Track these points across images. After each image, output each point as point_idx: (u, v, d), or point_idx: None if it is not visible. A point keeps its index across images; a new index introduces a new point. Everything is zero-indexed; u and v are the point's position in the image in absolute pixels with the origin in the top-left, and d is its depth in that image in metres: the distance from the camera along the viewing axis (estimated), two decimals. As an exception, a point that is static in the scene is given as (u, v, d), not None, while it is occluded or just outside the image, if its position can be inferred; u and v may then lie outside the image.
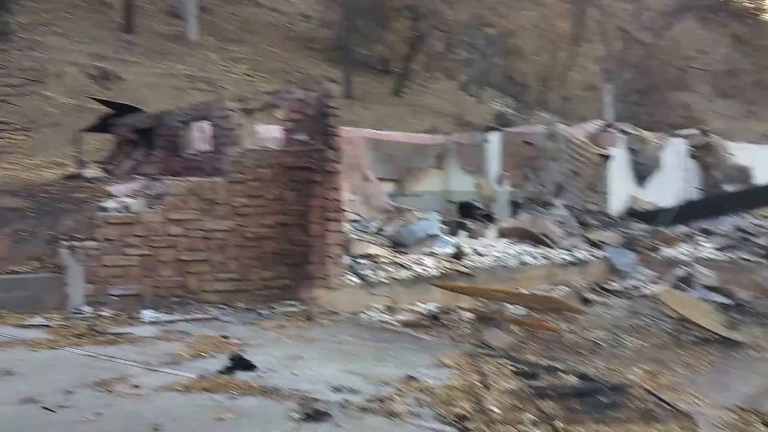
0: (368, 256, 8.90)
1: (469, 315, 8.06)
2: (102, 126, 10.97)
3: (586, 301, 9.75)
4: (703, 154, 17.80)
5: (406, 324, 7.68)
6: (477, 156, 16.26)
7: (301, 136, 8.29)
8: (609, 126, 16.01)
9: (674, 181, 16.91)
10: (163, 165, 9.88)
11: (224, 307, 7.14)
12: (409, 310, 8.13)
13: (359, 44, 22.98)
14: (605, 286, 10.65)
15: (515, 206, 14.60)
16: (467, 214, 13.40)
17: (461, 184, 16.50)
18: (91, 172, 10.11)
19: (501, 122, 19.34)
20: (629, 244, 11.99)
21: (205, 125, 9.72)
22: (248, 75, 18.32)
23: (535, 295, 8.40)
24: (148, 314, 6.56)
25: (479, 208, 14.01)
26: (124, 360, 4.99)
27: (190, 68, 16.99)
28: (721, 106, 37.49)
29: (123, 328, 6.08)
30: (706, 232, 15.10)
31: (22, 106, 11.18)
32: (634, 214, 15.13)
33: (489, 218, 13.85)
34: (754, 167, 18.22)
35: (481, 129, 17.28)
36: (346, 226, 10.58)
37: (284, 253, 7.70)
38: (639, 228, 12.91)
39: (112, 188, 8.40)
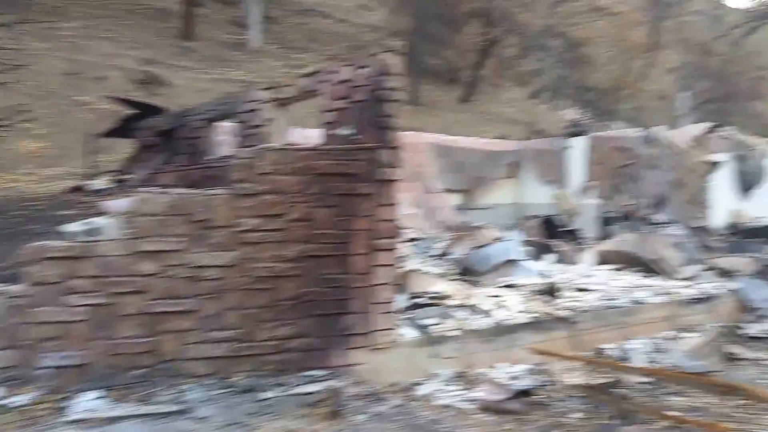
0: (433, 296, 5.87)
1: (581, 390, 4.92)
2: (122, 130, 8.40)
3: (731, 358, 6.40)
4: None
5: (487, 407, 4.61)
6: (557, 164, 12.96)
7: (345, 130, 5.39)
8: (713, 129, 12.39)
9: (780, 193, 13.18)
10: (183, 173, 7.20)
11: (213, 382, 4.27)
12: (490, 381, 5.03)
13: (428, 52, 20.02)
14: (745, 332, 7.23)
15: (605, 222, 11.25)
16: (551, 233, 10.16)
17: (537, 196, 13.23)
18: (100, 183, 7.52)
19: (575, 131, 15.84)
20: (763, 272, 8.46)
21: (232, 123, 7.01)
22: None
23: (699, 378, 5.07)
24: (82, 404, 3.77)
25: (564, 225, 10.76)
26: None
27: (248, 74, 14.50)
28: (799, 116, 32.52)
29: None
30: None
31: (44, 111, 8.72)
32: (740, 230, 11.53)
33: (576, 237, 10.55)
34: None
35: (560, 135, 13.97)
36: (405, 249, 7.58)
37: (311, 299, 4.76)
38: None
39: (108, 203, 5.70)
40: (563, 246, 9.12)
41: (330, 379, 4.45)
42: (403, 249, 7.52)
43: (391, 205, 5.16)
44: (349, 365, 4.70)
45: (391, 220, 5.16)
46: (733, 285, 7.99)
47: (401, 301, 5.58)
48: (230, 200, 4.69)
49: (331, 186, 4.96)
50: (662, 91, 28.19)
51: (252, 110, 6.55)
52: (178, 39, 16.19)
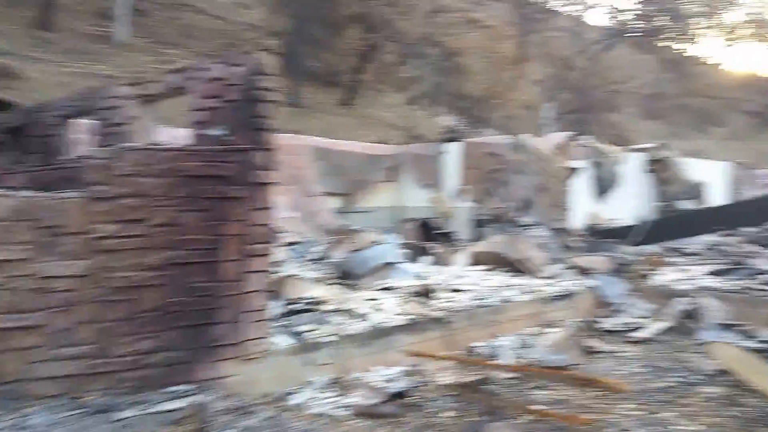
0: (309, 302, 5.75)
1: (452, 389, 5.02)
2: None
3: (589, 351, 6.84)
4: (658, 168, 15.44)
5: (362, 413, 4.57)
6: (433, 168, 13.34)
7: (217, 131, 5.13)
8: (573, 137, 13.32)
9: (632, 197, 14.47)
10: (35, 175, 6.53)
11: (62, 404, 3.87)
12: (365, 385, 5.00)
13: (308, 54, 19.86)
14: (602, 325, 7.78)
15: (478, 224, 11.72)
16: (428, 235, 10.40)
17: (415, 199, 13.54)
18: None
19: (451, 136, 16.44)
20: (618, 270, 9.17)
21: (91, 121, 6.46)
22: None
23: (560, 372, 5.37)
24: None
25: (440, 228, 11.06)
26: None
27: (113, 69, 13.55)
28: (648, 126, 36.01)
29: None
30: (677, 252, 12.65)
31: None
32: (597, 231, 12.48)
33: (451, 239, 10.88)
34: (705, 183, 16.11)
35: (437, 140, 14.39)
36: (280, 254, 7.41)
37: (176, 309, 4.46)
38: (627, 251, 10.12)
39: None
40: (439, 248, 9.35)
41: (195, 394, 4.19)
42: (279, 254, 7.34)
43: (266, 208, 4.98)
44: (217, 378, 4.46)
45: (265, 225, 4.97)
46: (590, 282, 8.58)
47: (275, 308, 5.41)
48: (84, 204, 4.30)
49: (200, 189, 4.70)
50: (529, 101, 29.93)
51: (113, 107, 6.07)
52: (35, 29, 14.79)
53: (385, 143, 14.55)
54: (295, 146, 10.52)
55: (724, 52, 43.89)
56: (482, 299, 7.02)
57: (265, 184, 4.95)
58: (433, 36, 23.39)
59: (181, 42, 17.48)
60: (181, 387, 4.24)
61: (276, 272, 5.85)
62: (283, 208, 9.35)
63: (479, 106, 26.90)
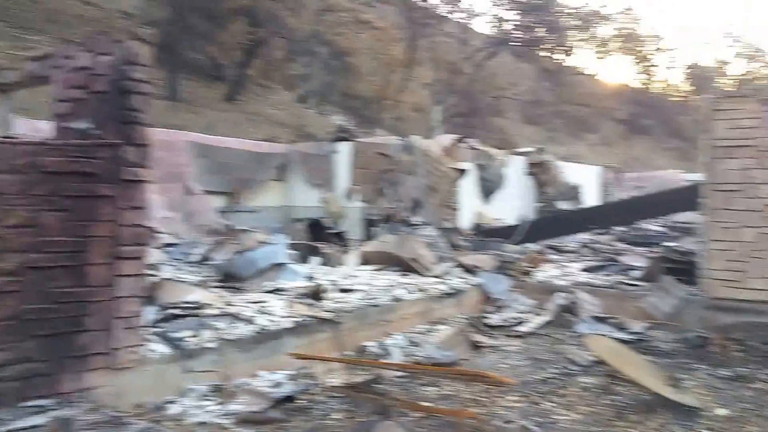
0: (189, 306, 5.49)
1: (341, 391, 4.99)
2: None
3: (476, 346, 7.10)
4: (538, 171, 16.40)
5: (246, 420, 4.43)
6: (324, 168, 13.29)
7: (82, 124, 4.77)
8: (461, 140, 13.81)
9: (514, 198, 15.28)
10: None
11: None
12: (250, 391, 4.85)
13: (190, 47, 19.08)
14: (487, 321, 8.10)
15: (368, 224, 11.82)
16: (318, 236, 10.33)
17: (305, 199, 13.43)
18: None
19: (341, 136, 16.49)
20: (502, 267, 9.60)
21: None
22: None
23: (448, 368, 5.49)
24: None
25: (330, 228, 11.02)
26: None
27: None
28: (529, 131, 38.11)
29: None
30: (555, 250, 13.46)
31: None
32: (482, 231, 13.04)
33: (343, 239, 10.88)
34: (580, 185, 17.31)
35: (327, 139, 14.34)
36: (157, 256, 7.05)
37: (36, 317, 4.08)
38: (510, 249, 10.60)
39: None
40: (329, 248, 9.31)
41: (60, 407, 3.86)
42: (155, 256, 6.98)
43: (139, 208, 4.70)
44: (85, 390, 4.14)
45: (138, 225, 4.69)
46: (476, 280, 8.92)
47: (151, 313, 5.13)
48: None
49: (63, 186, 4.34)
50: (418, 103, 30.68)
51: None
52: None
53: (273, 141, 14.30)
54: (174, 142, 10.05)
55: (598, 64, 47.53)
56: (372, 299, 7.07)
57: (137, 181, 4.67)
58: (322, 34, 23.32)
59: (45, 28, 16.15)
60: (43, 401, 3.88)
61: (152, 275, 5.54)
62: (160, 208, 8.90)
63: (370, 107, 27.22)
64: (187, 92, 17.51)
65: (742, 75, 46.76)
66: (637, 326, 7.74)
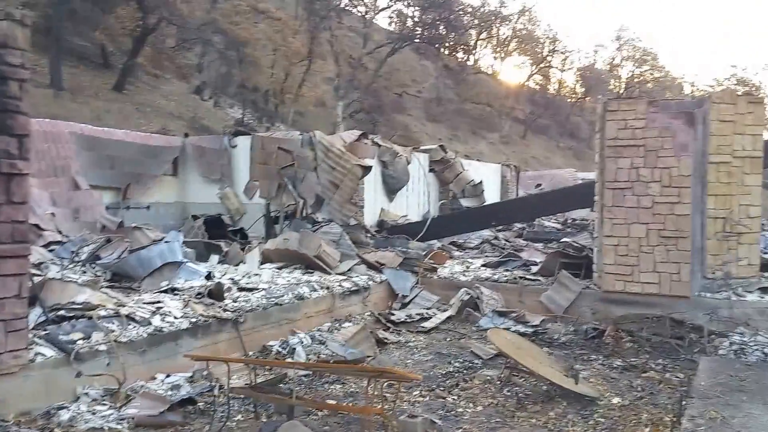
0: (78, 308, 5.22)
1: (243, 392, 4.93)
2: None
3: (381, 343, 7.23)
4: (441, 169, 16.89)
5: (142, 424, 4.29)
6: (221, 162, 13.00)
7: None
8: (364, 136, 13.95)
9: (418, 195, 15.67)
10: None
11: None
12: (146, 395, 4.69)
13: (74, 32, 17.99)
14: (392, 317, 8.27)
15: (271, 221, 11.68)
16: (217, 233, 10.09)
17: (202, 195, 13.09)
18: None
19: (240, 130, 16.20)
20: (406, 264, 9.81)
21: None
22: None
23: (353, 366, 5.52)
24: None
25: (230, 225, 10.80)
26: None
27: None
28: (431, 128, 39.03)
29: None
30: (458, 247, 13.93)
31: None
32: (386, 228, 13.28)
33: (243, 237, 10.69)
34: (481, 182, 17.97)
35: (224, 132, 14.02)
36: (41, 255, 6.64)
37: None
38: (414, 245, 10.85)
39: None
40: (229, 246, 9.13)
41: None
42: (40, 254, 6.57)
43: (19, 203, 4.41)
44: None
45: (18, 222, 4.41)
46: (381, 276, 9.07)
47: (36, 315, 4.83)
48: None
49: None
50: (321, 98, 30.51)
51: None
52: None
53: (165, 134, 13.80)
54: (58, 133, 9.47)
55: (498, 63, 49.39)
56: (275, 297, 7.02)
57: (16, 175, 4.38)
58: (217, 22, 22.68)
59: None
60: None
61: (37, 275, 5.22)
62: (43, 203, 8.36)
63: (270, 100, 26.78)
64: (72, 80, 16.52)
65: (632, 78, 50.45)
66: (536, 319, 8.17)
